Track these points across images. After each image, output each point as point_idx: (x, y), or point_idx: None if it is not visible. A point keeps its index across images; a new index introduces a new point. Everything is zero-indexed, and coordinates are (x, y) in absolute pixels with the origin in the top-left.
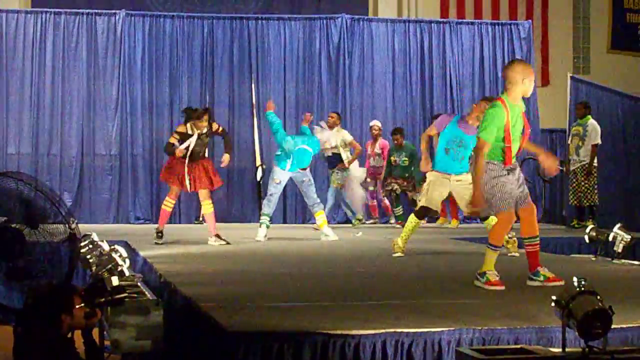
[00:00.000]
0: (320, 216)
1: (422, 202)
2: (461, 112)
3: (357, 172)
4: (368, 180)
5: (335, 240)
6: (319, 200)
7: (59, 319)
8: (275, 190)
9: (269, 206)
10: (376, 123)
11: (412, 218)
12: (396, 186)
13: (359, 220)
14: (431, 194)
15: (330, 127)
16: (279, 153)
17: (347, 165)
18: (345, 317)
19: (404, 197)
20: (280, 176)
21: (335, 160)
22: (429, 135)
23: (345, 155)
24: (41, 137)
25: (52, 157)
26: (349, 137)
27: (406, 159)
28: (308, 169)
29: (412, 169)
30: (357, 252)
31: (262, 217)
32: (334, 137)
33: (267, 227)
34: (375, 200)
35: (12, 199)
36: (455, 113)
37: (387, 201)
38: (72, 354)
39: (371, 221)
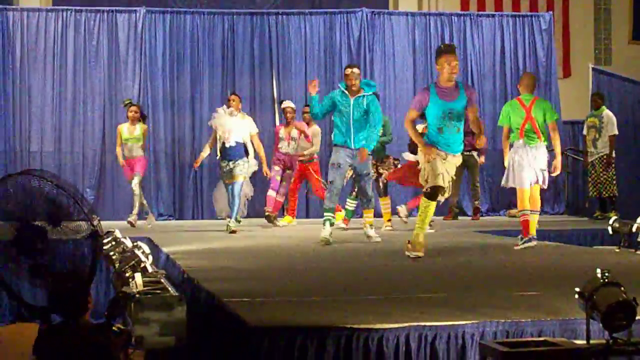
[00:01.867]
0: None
1: (429, 182)
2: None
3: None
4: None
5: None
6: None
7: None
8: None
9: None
10: (289, 104)
11: (424, 202)
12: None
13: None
14: (437, 169)
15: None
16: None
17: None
18: (368, 311)
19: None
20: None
21: (239, 151)
22: (412, 119)
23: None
24: (63, 134)
25: (75, 154)
26: (254, 128)
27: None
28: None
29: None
30: (378, 247)
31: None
32: (241, 121)
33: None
34: (280, 195)
35: (35, 196)
36: (427, 85)
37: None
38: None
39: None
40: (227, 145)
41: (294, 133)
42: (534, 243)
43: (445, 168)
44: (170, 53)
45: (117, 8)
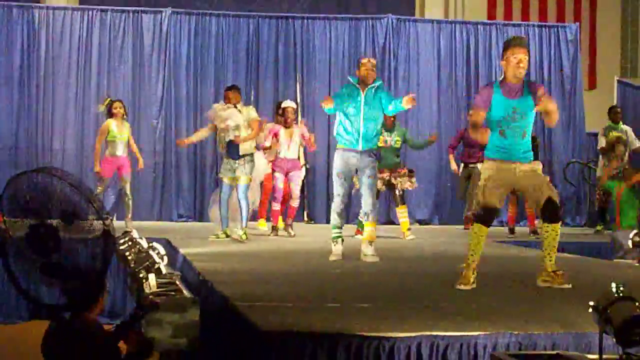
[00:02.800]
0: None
1: (479, 203)
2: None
3: (262, 165)
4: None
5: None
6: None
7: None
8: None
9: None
10: (291, 104)
11: (475, 228)
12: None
13: (226, 234)
14: (488, 191)
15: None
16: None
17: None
18: (379, 319)
19: (387, 192)
20: None
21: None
22: (479, 122)
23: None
24: (86, 133)
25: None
26: (254, 114)
27: (398, 138)
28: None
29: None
30: (392, 253)
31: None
32: (236, 116)
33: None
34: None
35: (48, 194)
36: (491, 82)
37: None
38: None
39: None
40: (226, 139)
41: (296, 136)
42: None
43: (501, 190)
44: (195, 54)
45: (142, 8)
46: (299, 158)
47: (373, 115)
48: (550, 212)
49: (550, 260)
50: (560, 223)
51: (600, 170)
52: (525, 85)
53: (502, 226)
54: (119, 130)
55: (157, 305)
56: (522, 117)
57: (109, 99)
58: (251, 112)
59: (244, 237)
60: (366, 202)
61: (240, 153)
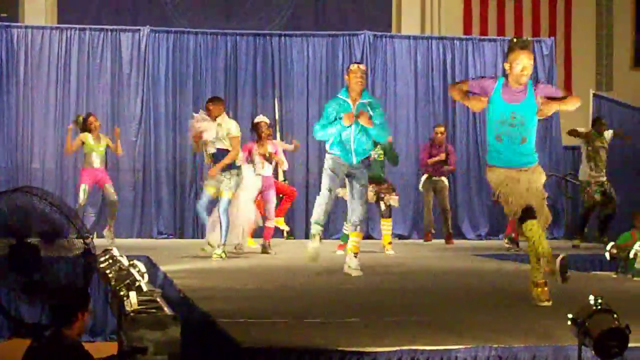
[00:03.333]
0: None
1: (511, 211)
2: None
3: (251, 180)
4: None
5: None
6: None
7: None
8: None
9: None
10: (263, 119)
11: (524, 228)
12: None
13: (218, 255)
14: (510, 194)
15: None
16: None
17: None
18: (360, 334)
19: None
20: None
21: (222, 158)
22: (462, 90)
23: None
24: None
25: (77, 171)
26: (233, 130)
27: (381, 152)
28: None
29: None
30: (372, 267)
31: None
32: (214, 129)
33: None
34: (268, 220)
35: (28, 214)
36: (496, 75)
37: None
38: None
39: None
40: (209, 152)
41: (269, 150)
42: None
43: (516, 186)
44: (173, 72)
45: (121, 27)
46: (277, 175)
47: (364, 132)
48: (523, 214)
49: (543, 249)
50: (535, 219)
51: (583, 174)
52: (530, 89)
53: (481, 239)
54: (95, 143)
55: (144, 349)
56: (522, 123)
57: (80, 116)
58: (231, 127)
59: (223, 255)
60: (357, 210)
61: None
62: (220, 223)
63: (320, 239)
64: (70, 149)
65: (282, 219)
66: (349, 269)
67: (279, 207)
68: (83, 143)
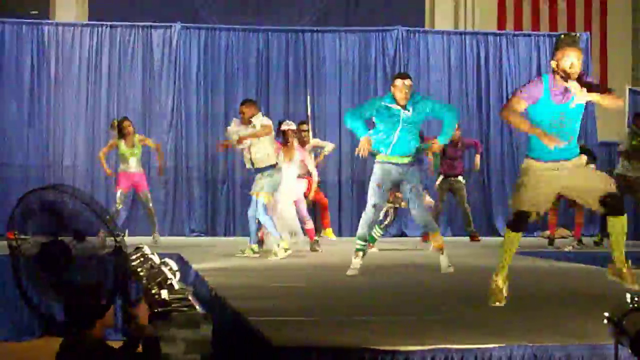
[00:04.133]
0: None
1: (512, 205)
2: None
3: (292, 181)
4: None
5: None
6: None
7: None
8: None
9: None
10: (290, 126)
11: (506, 233)
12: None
13: (253, 250)
14: (524, 195)
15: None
16: None
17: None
18: (393, 332)
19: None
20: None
21: (261, 162)
22: (519, 111)
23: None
24: (97, 150)
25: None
26: (265, 121)
27: None
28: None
29: None
30: (402, 266)
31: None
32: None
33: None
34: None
35: (59, 212)
36: (540, 75)
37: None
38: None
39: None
40: (248, 157)
41: (297, 160)
42: None
43: (543, 189)
44: (205, 69)
45: (152, 24)
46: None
47: (410, 130)
48: (612, 206)
49: (620, 254)
50: (625, 215)
51: (621, 169)
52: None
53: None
54: (128, 147)
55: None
56: (570, 121)
57: (115, 120)
58: (263, 120)
59: (250, 252)
60: (416, 217)
61: (256, 166)
62: (249, 223)
63: (364, 254)
64: (102, 153)
65: (330, 229)
66: (441, 269)
67: (323, 219)
68: (117, 147)
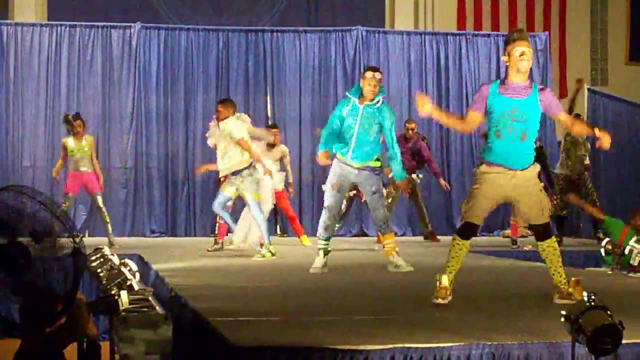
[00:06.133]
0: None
1: (465, 213)
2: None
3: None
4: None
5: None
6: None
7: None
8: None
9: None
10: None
11: (456, 240)
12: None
13: (262, 255)
14: (476, 200)
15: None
16: None
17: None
18: (352, 332)
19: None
20: None
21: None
22: (474, 122)
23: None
24: (57, 150)
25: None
26: (234, 131)
27: None
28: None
29: None
30: (364, 266)
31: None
32: (213, 137)
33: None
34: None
35: (16, 213)
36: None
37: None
38: None
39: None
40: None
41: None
42: None
43: (491, 198)
44: (165, 69)
45: (111, 24)
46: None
47: (367, 133)
48: (541, 233)
49: (560, 276)
50: (552, 237)
51: (559, 168)
52: (534, 89)
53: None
54: (76, 145)
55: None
56: (523, 117)
57: (67, 115)
58: (232, 131)
59: (268, 255)
60: (377, 215)
61: (233, 170)
62: (259, 224)
63: (327, 253)
64: (58, 164)
65: (304, 236)
66: (397, 268)
67: (294, 225)
68: (66, 148)
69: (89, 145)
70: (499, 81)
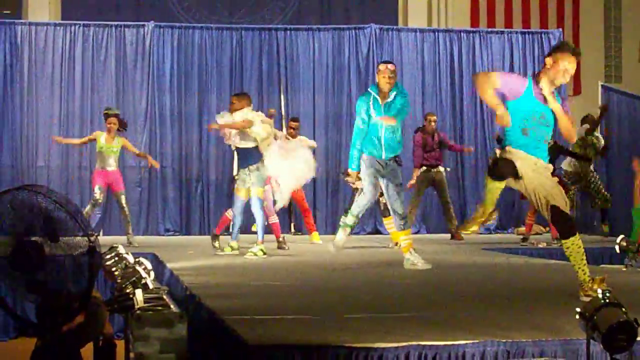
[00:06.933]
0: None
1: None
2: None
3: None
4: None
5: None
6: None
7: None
8: None
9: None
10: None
11: (487, 181)
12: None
13: (254, 253)
14: (504, 162)
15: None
16: None
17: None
18: (367, 330)
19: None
20: None
21: (244, 156)
22: (492, 86)
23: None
24: (71, 149)
25: (82, 169)
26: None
27: None
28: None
29: None
30: (378, 263)
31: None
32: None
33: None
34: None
35: (32, 212)
36: (525, 76)
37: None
38: None
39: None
40: (232, 148)
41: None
42: None
43: (528, 168)
44: (178, 68)
45: (125, 23)
46: None
47: (393, 129)
48: (561, 226)
49: (584, 274)
50: (577, 235)
51: (568, 165)
52: (557, 98)
53: (490, 233)
54: (107, 143)
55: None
56: (548, 124)
57: (108, 109)
58: (248, 116)
59: (260, 253)
60: (396, 210)
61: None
62: (256, 221)
63: (349, 232)
64: (78, 140)
65: (316, 233)
66: (413, 266)
67: (307, 220)
68: (95, 140)
69: (119, 147)
70: (532, 80)
